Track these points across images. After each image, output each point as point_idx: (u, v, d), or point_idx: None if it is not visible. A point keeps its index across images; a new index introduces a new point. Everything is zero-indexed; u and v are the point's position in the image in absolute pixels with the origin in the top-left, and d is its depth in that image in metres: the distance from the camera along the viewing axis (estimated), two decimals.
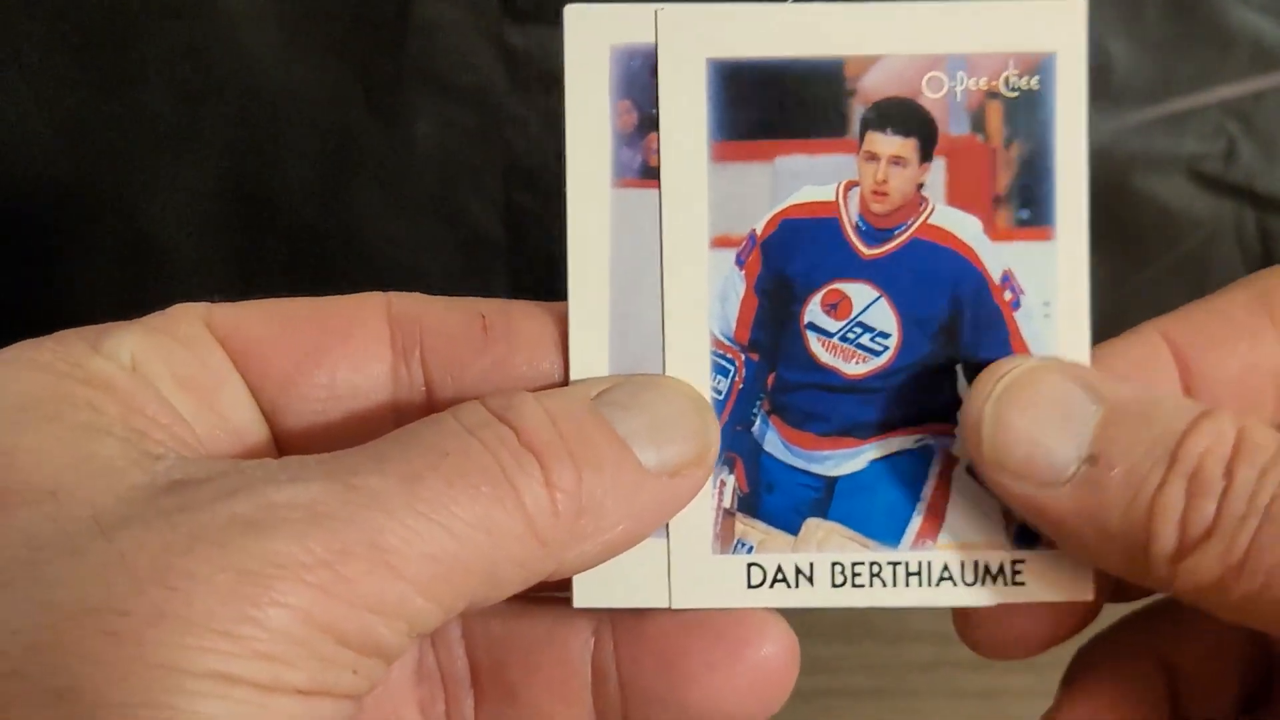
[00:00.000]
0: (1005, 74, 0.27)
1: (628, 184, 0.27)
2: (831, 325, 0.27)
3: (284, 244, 0.51)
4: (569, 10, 0.27)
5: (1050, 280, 0.27)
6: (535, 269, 0.51)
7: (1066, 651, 0.50)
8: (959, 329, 0.27)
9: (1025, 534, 0.27)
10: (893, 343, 0.27)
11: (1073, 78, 0.26)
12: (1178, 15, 0.50)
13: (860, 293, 0.27)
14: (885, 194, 0.27)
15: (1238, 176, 0.52)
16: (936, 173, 0.27)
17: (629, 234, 0.27)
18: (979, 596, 0.27)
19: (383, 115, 0.49)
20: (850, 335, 0.27)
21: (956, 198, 0.27)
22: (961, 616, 0.28)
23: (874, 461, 0.27)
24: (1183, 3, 0.50)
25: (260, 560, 0.21)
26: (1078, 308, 0.27)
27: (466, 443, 0.23)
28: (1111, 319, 0.57)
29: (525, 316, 0.27)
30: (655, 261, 0.27)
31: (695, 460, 0.26)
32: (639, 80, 0.27)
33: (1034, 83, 0.27)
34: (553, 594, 0.28)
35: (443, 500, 0.22)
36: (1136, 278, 0.52)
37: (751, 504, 0.28)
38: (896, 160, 0.27)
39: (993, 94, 0.27)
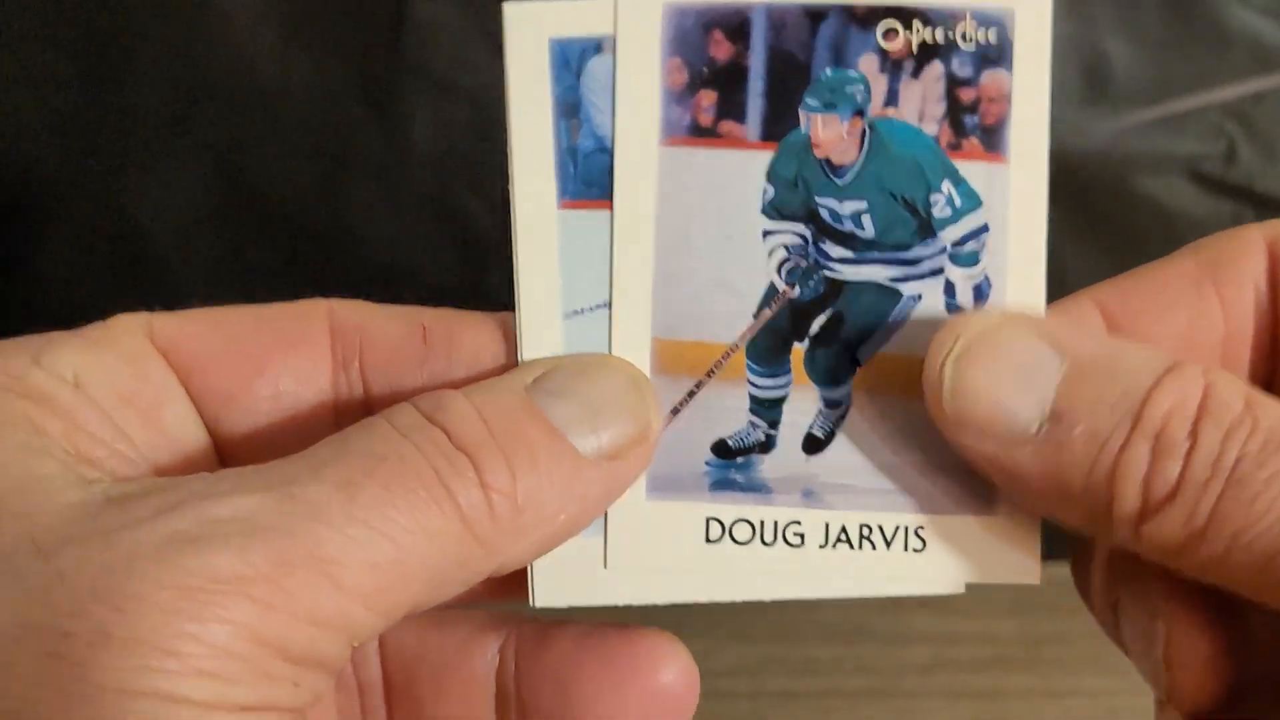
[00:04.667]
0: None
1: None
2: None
3: (279, 242, 0.50)
4: (508, 9, 0.27)
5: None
6: None
7: (1068, 651, 0.50)
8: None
9: None
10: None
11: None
12: (1177, 16, 0.50)
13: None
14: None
15: (1238, 177, 0.51)
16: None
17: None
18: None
19: (379, 113, 0.49)
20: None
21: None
22: None
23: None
24: (1182, 3, 0.50)
25: (202, 576, 0.21)
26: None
27: (400, 447, 0.23)
28: None
29: (467, 327, 0.27)
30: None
31: (634, 440, 0.26)
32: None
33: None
34: (467, 605, 0.28)
35: (380, 506, 0.22)
36: None
37: None
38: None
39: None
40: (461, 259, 0.51)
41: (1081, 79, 0.51)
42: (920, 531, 0.27)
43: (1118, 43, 0.50)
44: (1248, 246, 0.28)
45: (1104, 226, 0.52)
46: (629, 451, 0.25)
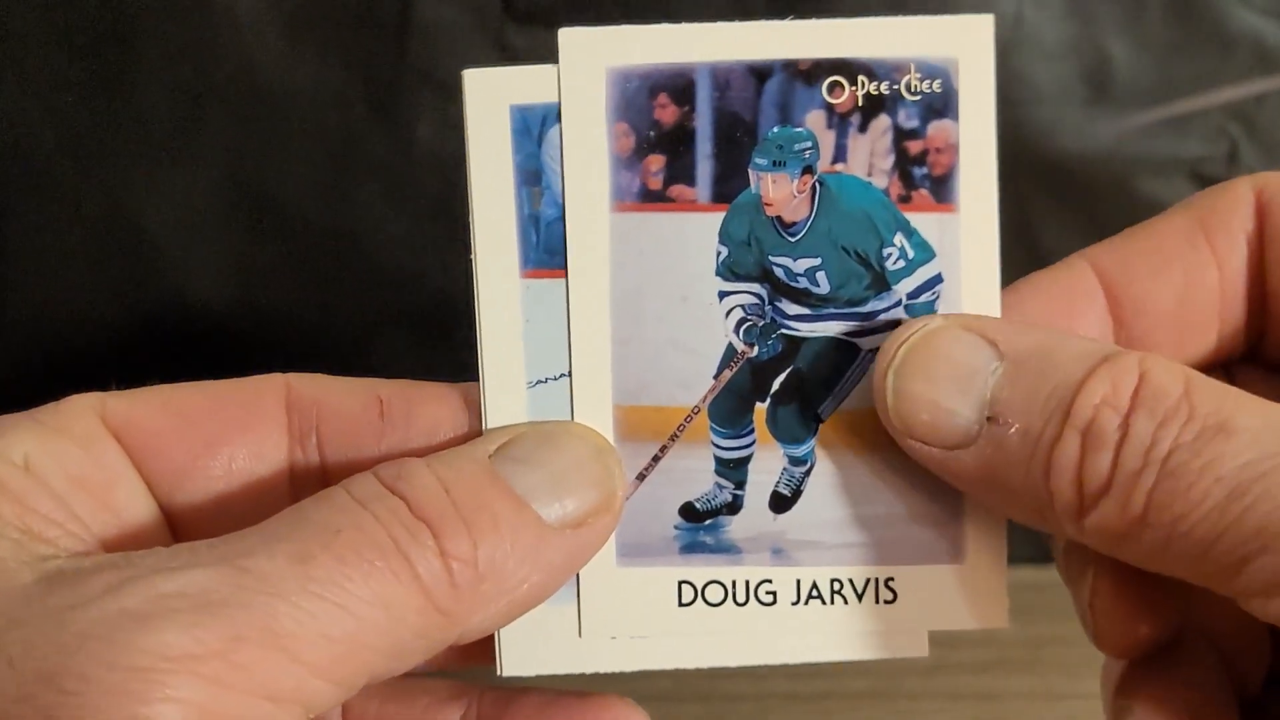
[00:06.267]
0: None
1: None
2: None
3: (286, 246, 0.50)
4: (467, 75, 0.27)
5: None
6: None
7: (1070, 653, 0.50)
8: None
9: None
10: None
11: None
12: (1179, 18, 0.50)
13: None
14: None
15: None
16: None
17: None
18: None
19: (384, 117, 0.49)
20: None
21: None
22: None
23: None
24: (1184, 5, 0.50)
25: (151, 655, 0.21)
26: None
27: (359, 517, 0.23)
28: None
29: (426, 399, 0.27)
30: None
31: (599, 508, 0.26)
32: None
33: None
34: (433, 673, 0.28)
35: (336, 579, 0.22)
36: None
37: None
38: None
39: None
40: (466, 262, 0.51)
41: (1084, 81, 0.51)
42: (890, 583, 0.28)
43: (1120, 44, 0.50)
44: (1238, 200, 0.27)
45: (1107, 228, 0.52)
46: (593, 520, 0.25)
